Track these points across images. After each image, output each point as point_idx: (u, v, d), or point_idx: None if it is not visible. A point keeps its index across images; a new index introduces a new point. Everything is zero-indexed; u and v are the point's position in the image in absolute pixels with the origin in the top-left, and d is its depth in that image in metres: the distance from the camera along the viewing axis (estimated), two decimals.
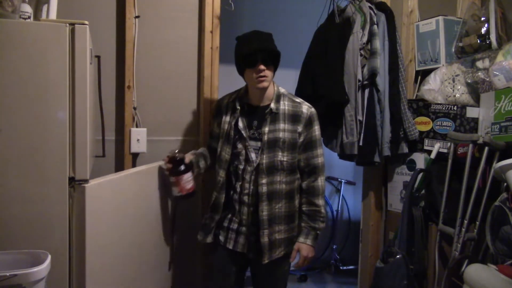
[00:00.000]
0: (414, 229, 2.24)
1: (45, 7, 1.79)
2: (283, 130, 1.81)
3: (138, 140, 2.20)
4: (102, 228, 1.54)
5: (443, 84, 2.36)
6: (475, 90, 2.26)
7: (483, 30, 2.30)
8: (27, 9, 1.57)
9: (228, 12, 2.32)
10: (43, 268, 1.24)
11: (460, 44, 2.39)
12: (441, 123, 2.27)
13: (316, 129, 1.87)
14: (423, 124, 2.36)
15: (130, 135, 2.19)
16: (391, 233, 2.52)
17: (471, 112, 2.23)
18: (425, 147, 2.34)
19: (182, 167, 1.84)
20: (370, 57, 2.24)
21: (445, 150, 2.23)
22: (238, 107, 1.85)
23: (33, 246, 1.37)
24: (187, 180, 1.85)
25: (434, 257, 2.20)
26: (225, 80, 2.42)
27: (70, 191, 1.44)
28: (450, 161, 2.15)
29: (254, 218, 1.83)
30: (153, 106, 2.25)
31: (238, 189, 1.85)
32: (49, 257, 1.29)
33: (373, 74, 2.22)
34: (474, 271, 1.73)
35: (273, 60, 1.79)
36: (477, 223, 2.00)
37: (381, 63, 2.24)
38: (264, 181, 1.79)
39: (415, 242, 2.23)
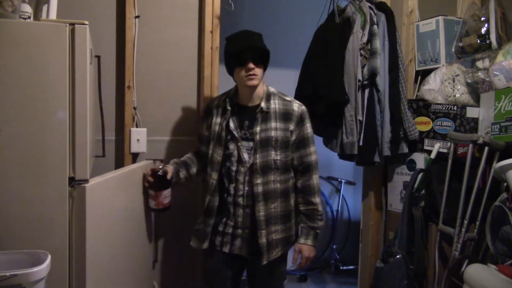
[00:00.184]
0: (414, 229, 2.24)
1: (45, 7, 1.79)
2: (275, 128, 1.80)
3: (138, 140, 2.20)
4: (102, 227, 1.54)
5: (443, 84, 2.36)
6: (475, 90, 2.26)
7: (483, 30, 2.30)
8: (27, 9, 1.57)
9: (228, 12, 2.32)
10: (43, 268, 1.24)
11: (460, 44, 2.39)
12: (441, 123, 2.27)
13: (308, 127, 1.87)
14: (423, 124, 2.36)
15: (130, 135, 2.19)
16: (391, 233, 2.52)
17: (471, 112, 2.23)
18: (425, 147, 2.34)
19: (164, 183, 1.84)
20: (370, 57, 2.24)
21: (445, 150, 2.23)
22: (229, 108, 1.84)
23: (33, 246, 1.37)
24: (166, 196, 1.86)
25: (434, 257, 2.20)
26: (225, 80, 2.40)
27: (70, 191, 1.44)
28: (450, 161, 2.15)
29: (250, 219, 1.82)
30: (153, 106, 2.25)
31: (232, 191, 1.83)
32: (49, 257, 1.29)
33: (373, 74, 2.22)
34: (474, 271, 1.73)
35: (262, 59, 1.79)
36: (477, 223, 2.00)
37: (381, 63, 2.24)
38: (259, 181, 1.78)
39: (415, 242, 2.23)
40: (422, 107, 2.37)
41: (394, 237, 2.40)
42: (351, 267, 3.58)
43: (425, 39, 2.52)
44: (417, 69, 2.59)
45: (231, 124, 1.83)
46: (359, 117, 2.23)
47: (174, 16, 2.26)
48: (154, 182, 1.83)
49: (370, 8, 2.30)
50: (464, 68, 2.32)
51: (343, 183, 3.76)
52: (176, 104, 2.29)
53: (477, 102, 2.26)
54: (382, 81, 2.25)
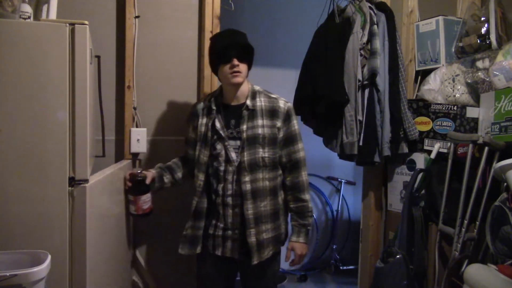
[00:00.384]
0: (414, 229, 2.23)
1: (45, 7, 1.79)
2: (262, 126, 1.80)
3: (138, 140, 2.20)
4: (100, 227, 1.55)
5: (443, 84, 2.36)
6: (475, 90, 2.26)
7: (483, 30, 2.29)
8: (27, 9, 1.57)
9: (228, 12, 2.32)
10: (43, 268, 1.24)
11: (460, 44, 2.39)
12: (441, 123, 2.27)
13: (295, 123, 1.87)
14: (423, 124, 2.36)
15: (130, 135, 2.19)
16: (391, 233, 2.52)
17: (471, 112, 2.22)
18: (425, 147, 2.34)
19: (142, 188, 1.83)
20: (370, 57, 2.24)
21: (445, 150, 2.23)
22: (214, 108, 1.83)
23: (33, 246, 1.37)
24: (145, 201, 1.85)
25: (434, 257, 2.20)
26: None
27: (70, 191, 1.44)
28: (450, 161, 2.15)
29: (239, 219, 1.80)
30: (153, 106, 2.25)
31: (221, 192, 1.81)
32: (49, 257, 1.29)
33: (373, 74, 2.22)
34: (474, 271, 1.73)
35: (246, 56, 1.79)
36: (477, 223, 2.00)
37: (381, 63, 2.24)
38: (247, 178, 1.77)
39: (415, 242, 2.23)
40: (422, 107, 2.37)
41: (394, 237, 2.40)
42: (351, 267, 3.58)
43: (425, 39, 2.52)
44: (417, 69, 2.59)
45: (217, 124, 1.81)
46: (359, 117, 2.23)
47: (174, 16, 2.26)
48: (133, 187, 1.82)
49: (370, 8, 2.30)
50: (464, 68, 2.32)
51: (343, 183, 3.76)
52: (176, 104, 2.29)
53: (477, 102, 2.26)
54: (382, 81, 2.25)
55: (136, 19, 2.18)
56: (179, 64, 2.28)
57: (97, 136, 1.99)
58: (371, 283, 2.45)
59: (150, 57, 2.23)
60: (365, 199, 2.67)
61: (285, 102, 1.86)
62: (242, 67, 1.76)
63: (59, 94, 1.42)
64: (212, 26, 2.25)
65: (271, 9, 3.56)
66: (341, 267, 3.63)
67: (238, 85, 1.79)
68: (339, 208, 3.77)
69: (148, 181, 1.85)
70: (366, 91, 2.25)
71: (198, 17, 2.29)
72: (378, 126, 2.26)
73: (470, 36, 2.35)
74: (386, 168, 2.57)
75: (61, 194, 1.43)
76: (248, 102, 1.81)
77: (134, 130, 2.20)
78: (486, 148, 1.98)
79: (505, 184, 1.88)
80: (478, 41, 2.30)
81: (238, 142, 1.80)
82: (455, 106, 2.22)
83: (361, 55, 2.24)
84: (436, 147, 2.27)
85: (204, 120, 1.85)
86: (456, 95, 2.30)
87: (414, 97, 2.55)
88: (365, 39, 2.24)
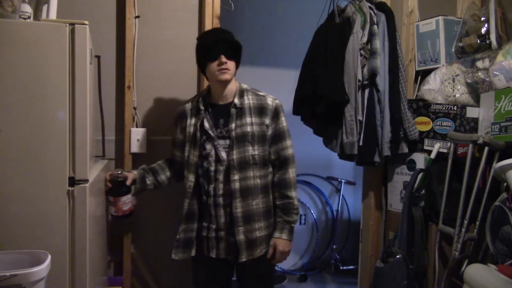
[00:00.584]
0: (414, 229, 2.23)
1: (45, 7, 1.79)
2: (251, 123, 1.79)
3: (138, 140, 2.20)
4: (98, 226, 1.55)
5: (443, 84, 2.36)
6: (475, 90, 2.26)
7: (483, 30, 2.29)
8: (27, 9, 1.57)
9: (228, 12, 2.32)
10: (43, 268, 1.24)
11: (460, 44, 2.39)
12: (441, 123, 2.27)
13: (283, 120, 1.86)
14: (423, 124, 2.36)
15: (130, 135, 2.19)
16: (391, 233, 2.52)
17: (471, 112, 2.22)
18: (425, 147, 2.34)
19: (123, 189, 1.82)
20: (370, 57, 2.24)
21: (445, 150, 2.23)
22: (202, 108, 1.82)
23: (33, 246, 1.37)
24: (125, 202, 1.84)
25: (434, 257, 2.20)
26: None
27: (70, 191, 1.44)
28: (450, 161, 2.15)
29: (230, 218, 1.78)
30: (153, 106, 2.25)
31: (212, 192, 1.79)
32: (49, 257, 1.29)
33: (373, 74, 2.22)
34: (474, 271, 1.73)
35: (234, 53, 1.78)
36: (477, 223, 2.00)
37: (381, 63, 2.24)
38: (236, 177, 1.76)
39: (415, 242, 2.23)
40: (422, 107, 2.37)
41: (394, 237, 2.40)
42: (351, 267, 3.58)
43: (425, 39, 2.52)
44: (417, 69, 2.59)
45: (206, 124, 1.80)
46: (359, 117, 2.23)
47: (174, 16, 2.26)
48: (113, 188, 1.81)
49: (370, 8, 2.29)
50: (464, 68, 2.32)
51: (343, 183, 3.76)
52: (176, 104, 2.28)
53: (477, 102, 2.26)
54: (382, 81, 2.25)
55: (136, 19, 2.18)
56: (179, 64, 2.28)
57: (97, 136, 1.99)
58: (371, 283, 2.45)
59: (150, 57, 2.23)
60: (365, 199, 2.67)
61: (273, 99, 1.85)
62: (230, 64, 1.75)
63: (59, 94, 1.42)
64: (212, 26, 2.24)
65: (271, 9, 3.56)
66: (341, 267, 3.63)
67: (226, 82, 1.78)
68: (339, 208, 3.77)
69: (128, 182, 1.83)
70: (366, 91, 2.25)
71: (198, 17, 2.29)
72: (378, 126, 2.26)
73: (470, 36, 2.35)
74: (386, 168, 2.57)
75: (61, 194, 1.43)
76: (236, 100, 1.79)
77: (134, 130, 2.20)
78: (486, 148, 1.98)
79: (505, 184, 1.88)
80: (478, 41, 2.30)
81: (228, 141, 1.78)
82: (455, 106, 2.22)
83: (361, 55, 2.24)
84: (436, 147, 2.27)
85: (193, 121, 1.83)
86: (456, 95, 2.30)
87: (414, 97, 2.55)
88: (365, 39, 2.24)
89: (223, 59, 1.72)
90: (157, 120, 2.25)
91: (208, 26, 2.24)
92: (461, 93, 2.29)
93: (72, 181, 1.44)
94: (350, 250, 3.73)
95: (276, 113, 1.83)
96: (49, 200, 1.42)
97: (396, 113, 2.27)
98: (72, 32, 1.42)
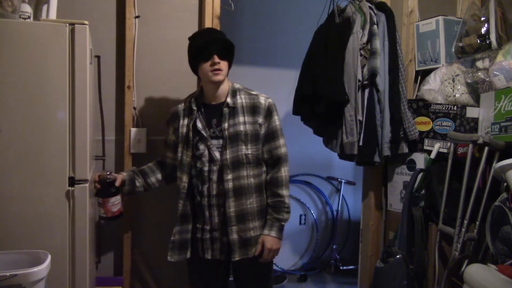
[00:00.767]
0: (414, 229, 2.23)
1: (45, 7, 1.79)
2: (244, 123, 1.78)
3: (138, 140, 2.20)
4: (93, 226, 1.55)
5: (443, 84, 2.36)
6: (475, 90, 2.26)
7: (483, 30, 2.29)
8: (27, 9, 1.57)
9: (228, 12, 2.32)
10: (43, 268, 1.24)
11: (460, 44, 2.39)
12: (441, 123, 2.27)
13: (276, 119, 1.85)
14: (423, 124, 2.36)
15: (130, 135, 2.19)
16: (391, 233, 2.52)
17: (471, 112, 2.22)
18: (425, 147, 2.34)
19: (111, 190, 1.80)
20: (370, 57, 2.24)
21: (445, 150, 2.23)
22: (195, 108, 1.81)
23: (33, 246, 1.38)
24: (114, 203, 1.82)
25: (434, 257, 2.20)
26: None
27: (70, 191, 1.44)
28: (450, 161, 2.15)
29: (224, 218, 1.78)
30: (153, 106, 2.25)
31: (206, 192, 1.78)
32: (49, 257, 1.29)
33: (373, 74, 2.22)
34: (474, 271, 1.73)
35: (227, 53, 1.77)
36: (477, 223, 2.00)
37: (381, 63, 2.24)
38: (229, 176, 1.75)
39: (415, 242, 2.23)
40: (422, 107, 2.37)
41: (394, 237, 2.40)
42: (351, 267, 3.58)
43: (425, 39, 2.52)
44: (417, 69, 2.59)
45: (199, 124, 1.79)
46: (359, 117, 2.23)
47: (174, 16, 2.26)
48: (102, 189, 1.79)
49: (370, 8, 2.29)
50: (464, 68, 2.32)
51: (343, 183, 3.76)
52: (176, 104, 2.28)
53: (477, 102, 2.26)
54: (382, 81, 2.25)
55: (136, 19, 2.18)
56: (179, 64, 2.27)
57: (97, 136, 1.99)
58: (371, 283, 2.45)
59: (150, 57, 2.23)
60: (365, 199, 2.67)
61: (265, 98, 1.84)
62: (223, 64, 1.74)
63: (59, 94, 1.42)
64: (212, 26, 2.24)
65: (271, 9, 3.56)
66: (341, 267, 3.63)
67: (219, 83, 1.78)
68: (339, 208, 3.77)
69: (117, 183, 1.82)
70: (366, 91, 2.25)
71: (198, 17, 2.29)
72: (378, 126, 2.26)
73: (470, 36, 2.35)
74: (386, 168, 2.57)
75: (61, 194, 1.43)
76: (229, 99, 1.79)
77: (134, 130, 2.20)
78: (486, 148, 1.98)
79: (505, 184, 1.87)
80: (478, 41, 2.30)
81: (221, 141, 1.78)
82: (455, 106, 2.22)
83: (361, 55, 2.24)
84: (436, 147, 2.27)
85: (185, 121, 1.82)
86: (456, 95, 2.30)
87: (414, 97, 2.55)
88: (365, 39, 2.24)
89: (216, 59, 1.72)
90: (157, 120, 2.25)
91: (208, 26, 2.23)
92: (461, 93, 2.29)
93: (72, 181, 1.45)
94: (350, 250, 3.73)
95: (269, 112, 1.83)
96: (49, 200, 1.42)
97: (396, 113, 2.27)
98: (72, 32, 1.42)
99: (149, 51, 2.22)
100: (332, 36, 2.30)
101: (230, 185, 1.75)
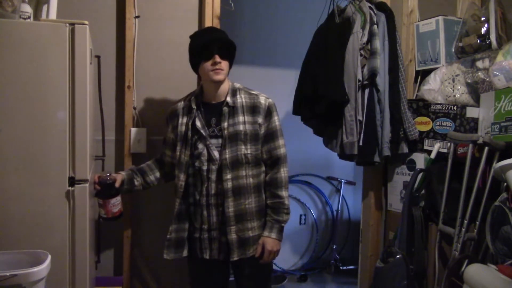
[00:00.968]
0: (414, 229, 2.23)
1: (45, 7, 1.79)
2: (243, 122, 1.78)
3: (138, 140, 2.20)
4: (92, 226, 1.55)
5: (443, 84, 2.36)
6: (475, 90, 2.26)
7: (483, 30, 2.29)
8: (27, 9, 1.57)
9: (228, 12, 2.32)
10: (43, 268, 1.24)
11: (460, 44, 2.39)
12: (441, 123, 2.27)
13: (276, 120, 1.85)
14: (423, 124, 2.36)
15: (130, 135, 2.19)
16: (391, 233, 2.52)
17: (471, 112, 2.22)
18: (425, 147, 2.34)
19: (111, 191, 1.81)
20: (370, 57, 2.24)
21: (445, 150, 2.23)
22: (194, 107, 1.80)
23: (33, 246, 1.38)
24: (114, 204, 1.83)
25: (434, 257, 2.20)
26: None
27: (70, 191, 1.44)
28: (450, 161, 2.15)
29: (222, 217, 1.77)
30: (153, 106, 2.25)
31: (204, 192, 1.77)
32: (49, 257, 1.29)
33: (373, 74, 2.22)
34: (474, 271, 1.73)
35: (228, 53, 1.77)
36: (477, 223, 2.00)
37: (381, 63, 2.24)
38: (228, 176, 1.74)
39: (415, 242, 2.23)
40: (422, 107, 2.37)
41: (394, 237, 2.40)
42: (351, 267, 3.58)
43: (425, 39, 2.52)
44: (417, 69, 2.59)
45: (198, 123, 1.79)
46: (359, 117, 2.23)
47: (174, 16, 2.26)
48: (102, 190, 1.79)
49: (370, 8, 2.29)
50: (464, 68, 2.32)
51: (343, 183, 3.76)
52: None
53: (477, 102, 2.26)
54: (382, 81, 2.25)
55: (136, 19, 2.18)
56: (179, 64, 2.28)
57: (97, 136, 1.99)
58: (371, 283, 2.45)
59: (150, 57, 2.23)
60: (365, 199, 2.67)
61: (265, 98, 1.84)
62: (224, 64, 1.74)
63: (59, 94, 1.42)
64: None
65: (271, 9, 3.56)
66: (341, 267, 3.63)
67: (219, 82, 1.77)
68: (339, 208, 3.77)
69: (117, 184, 1.82)
70: (366, 91, 2.25)
71: (198, 17, 2.29)
72: (378, 126, 2.26)
73: (470, 36, 2.35)
74: (386, 168, 2.57)
75: (61, 194, 1.43)
76: (229, 99, 1.78)
77: (134, 130, 2.20)
78: (486, 148, 1.98)
79: (505, 184, 1.87)
80: (478, 41, 2.30)
81: (220, 140, 1.77)
82: (455, 106, 2.22)
83: (361, 55, 2.24)
84: (436, 147, 2.27)
85: (184, 120, 1.82)
86: (456, 95, 2.30)
87: (414, 97, 2.55)
88: (365, 39, 2.24)
89: (217, 59, 1.71)
90: (157, 120, 2.25)
91: (208, 26, 2.23)
92: (461, 93, 2.29)
93: (72, 181, 1.45)
94: (350, 250, 3.73)
95: (269, 112, 1.82)
96: (49, 200, 1.42)
97: (396, 113, 2.27)
98: (72, 32, 1.42)
99: (149, 51, 2.22)
100: (332, 36, 2.30)
101: (229, 184, 1.75)
